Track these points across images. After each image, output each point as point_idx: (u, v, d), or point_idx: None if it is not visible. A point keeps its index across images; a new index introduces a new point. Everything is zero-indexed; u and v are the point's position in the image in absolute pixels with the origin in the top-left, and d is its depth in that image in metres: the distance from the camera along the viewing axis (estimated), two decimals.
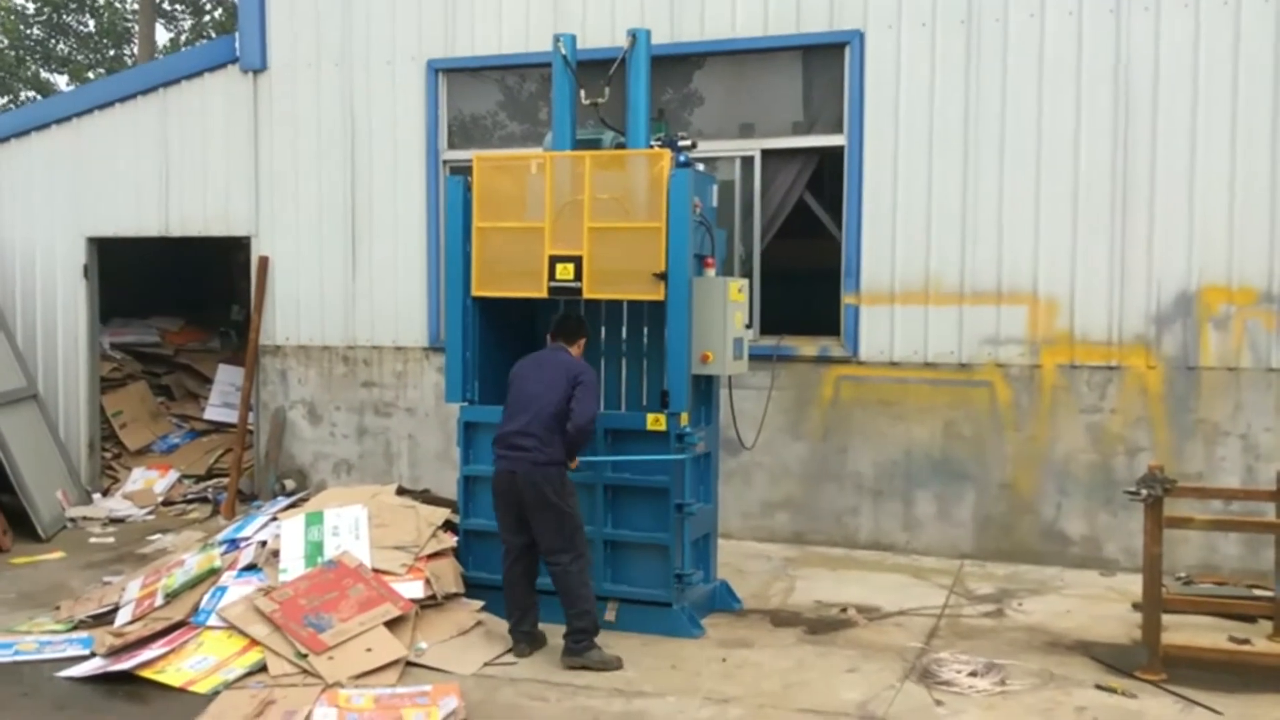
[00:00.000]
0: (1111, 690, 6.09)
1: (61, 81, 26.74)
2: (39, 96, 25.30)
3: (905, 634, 7.09)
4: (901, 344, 8.94)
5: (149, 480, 11.13)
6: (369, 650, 6.34)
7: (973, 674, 6.29)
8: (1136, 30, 8.30)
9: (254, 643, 6.46)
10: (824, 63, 9.15)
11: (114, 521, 10.30)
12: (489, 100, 10.25)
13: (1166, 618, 6.37)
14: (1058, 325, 8.57)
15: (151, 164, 11.01)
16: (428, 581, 6.96)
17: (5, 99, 26.05)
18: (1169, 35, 8.24)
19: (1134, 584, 7.29)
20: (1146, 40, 8.29)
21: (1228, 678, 6.15)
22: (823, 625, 7.28)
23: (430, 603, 6.90)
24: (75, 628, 7.21)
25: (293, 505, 8.18)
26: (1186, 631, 6.76)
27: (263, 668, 6.31)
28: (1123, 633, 7.05)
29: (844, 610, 7.56)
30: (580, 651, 6.49)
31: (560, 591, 6.57)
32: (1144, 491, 6.21)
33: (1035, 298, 8.60)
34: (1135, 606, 7.16)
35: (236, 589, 6.94)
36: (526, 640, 6.71)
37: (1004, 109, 8.62)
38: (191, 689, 6.14)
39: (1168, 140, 8.27)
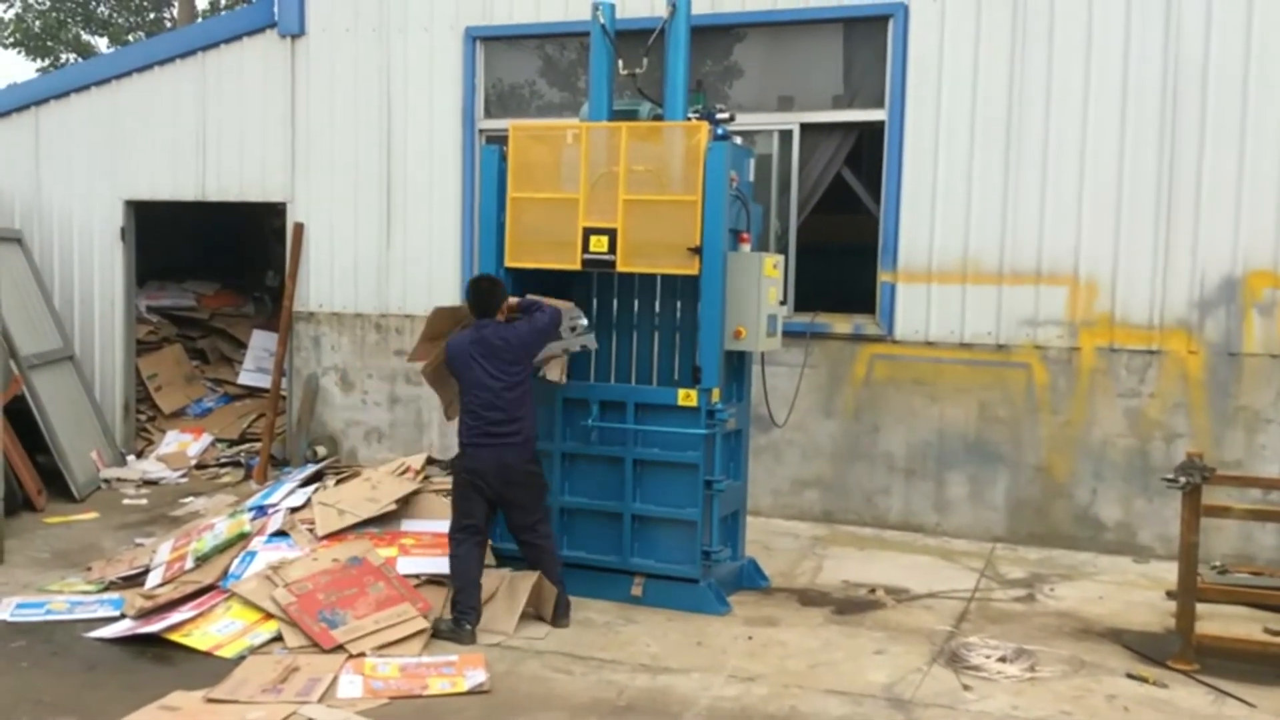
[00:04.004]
0: (1143, 679, 6.01)
1: (102, 44, 26.78)
2: (79, 59, 25.37)
3: (934, 617, 7.04)
4: (938, 323, 8.83)
5: (183, 443, 11.21)
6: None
7: (1002, 659, 6.22)
8: (1187, 10, 8.10)
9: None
10: (866, 36, 9.01)
11: (147, 483, 10.38)
12: (527, 69, 10.17)
13: (1200, 607, 6.27)
14: (1098, 307, 8.43)
15: (189, 128, 11.02)
16: None
17: (46, 61, 26.13)
18: (1220, 17, 8.04)
19: (1168, 572, 7.19)
20: (1197, 21, 8.09)
21: (1262, 669, 6.06)
22: (850, 605, 7.23)
23: None
24: (106, 589, 7.27)
25: (318, 475, 8.17)
26: (1220, 621, 6.66)
27: None
28: (1155, 621, 6.96)
29: (872, 591, 7.50)
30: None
31: (551, 561, 6.74)
32: (1182, 479, 6.11)
33: (1076, 279, 8.47)
34: (1169, 595, 7.07)
35: (265, 554, 6.98)
36: (477, 618, 6.51)
37: (1049, 86, 8.45)
38: (218, 653, 6.17)
39: (1217, 122, 8.09)
